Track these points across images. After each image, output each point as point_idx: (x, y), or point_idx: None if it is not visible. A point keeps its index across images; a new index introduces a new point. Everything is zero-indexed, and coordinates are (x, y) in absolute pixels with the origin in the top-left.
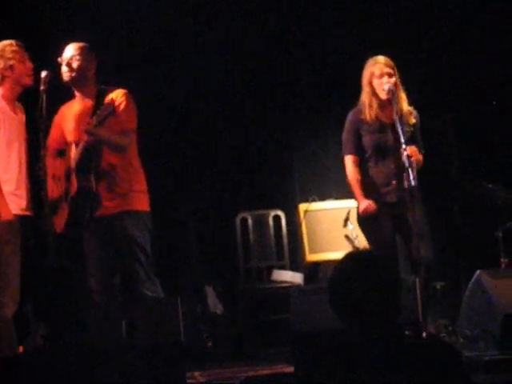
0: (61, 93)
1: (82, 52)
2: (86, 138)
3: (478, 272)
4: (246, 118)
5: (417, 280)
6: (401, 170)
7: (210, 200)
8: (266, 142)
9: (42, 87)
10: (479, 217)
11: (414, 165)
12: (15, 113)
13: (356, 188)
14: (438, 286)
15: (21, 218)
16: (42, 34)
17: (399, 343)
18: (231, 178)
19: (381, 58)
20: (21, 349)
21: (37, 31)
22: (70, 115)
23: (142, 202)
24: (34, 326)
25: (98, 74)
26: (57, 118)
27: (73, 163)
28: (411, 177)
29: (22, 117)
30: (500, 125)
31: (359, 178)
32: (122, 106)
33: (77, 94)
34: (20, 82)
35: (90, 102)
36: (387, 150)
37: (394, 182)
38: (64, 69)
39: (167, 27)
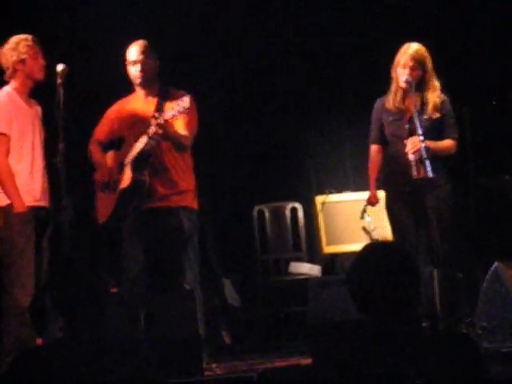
0: (77, 87)
1: (148, 51)
2: (152, 130)
3: (495, 264)
4: (262, 110)
5: (435, 272)
6: (413, 165)
7: (227, 192)
8: (282, 133)
9: (58, 81)
10: (496, 209)
11: (417, 156)
12: (29, 105)
13: (371, 177)
14: (456, 278)
15: (35, 209)
16: (55, 30)
17: (417, 335)
18: (248, 170)
19: (412, 49)
20: (39, 341)
21: (49, 28)
22: (130, 111)
23: (194, 201)
24: (52, 319)
25: None
26: (111, 111)
27: (130, 156)
28: (428, 168)
29: (37, 109)
30: None
31: (377, 167)
32: (189, 110)
33: (140, 91)
34: (31, 77)
35: (153, 101)
36: (402, 139)
37: (412, 173)
38: (134, 70)
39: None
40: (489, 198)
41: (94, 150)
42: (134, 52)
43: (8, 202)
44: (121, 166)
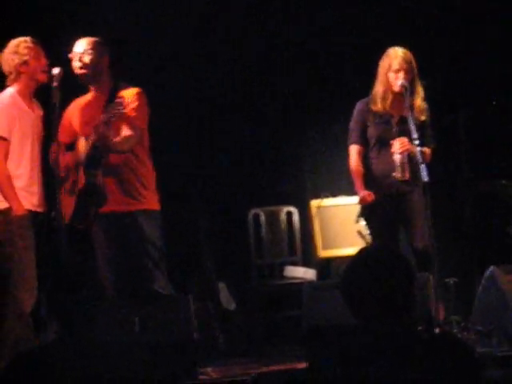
0: (73, 89)
1: (94, 46)
2: (94, 134)
3: (490, 268)
4: (256, 114)
5: (430, 276)
6: (398, 166)
7: (222, 196)
8: (276, 137)
9: (54, 84)
10: (491, 213)
11: (404, 158)
12: (31, 109)
13: (356, 178)
14: (451, 282)
15: (32, 214)
16: (55, 30)
17: (412, 339)
18: (243, 174)
19: (400, 52)
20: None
21: (49, 28)
22: (81, 108)
23: (153, 201)
24: (48, 322)
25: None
26: (67, 112)
27: (81, 157)
28: (425, 173)
29: (39, 112)
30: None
31: (361, 168)
32: (133, 105)
33: (91, 88)
34: (34, 78)
35: (102, 97)
36: (389, 143)
37: (393, 174)
38: (76, 64)
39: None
40: (484, 202)
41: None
42: (76, 46)
43: (7, 205)
44: (77, 169)
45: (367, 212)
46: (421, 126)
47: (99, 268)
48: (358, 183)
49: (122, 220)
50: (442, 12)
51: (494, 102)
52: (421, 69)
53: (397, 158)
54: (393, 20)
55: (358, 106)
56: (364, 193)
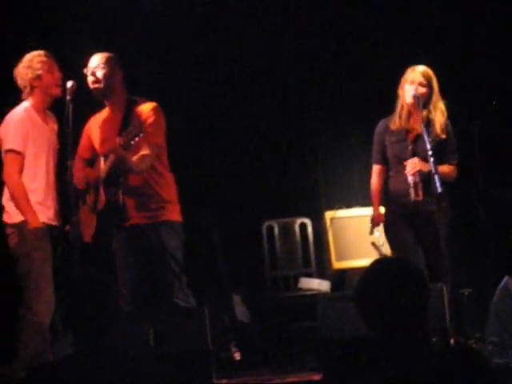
0: (88, 103)
1: (107, 61)
2: (111, 160)
3: (505, 278)
4: (271, 125)
5: (444, 287)
6: (422, 179)
7: (236, 208)
8: (291, 148)
9: (68, 97)
10: (506, 223)
11: (417, 179)
12: (46, 123)
13: (373, 197)
14: (466, 293)
15: (48, 228)
16: (68, 44)
17: (427, 350)
18: (257, 186)
19: (419, 67)
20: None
21: (62, 42)
22: (98, 125)
23: (175, 213)
24: (62, 334)
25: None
26: (87, 127)
27: (102, 176)
28: (437, 184)
29: (54, 126)
30: None
31: (379, 188)
32: (150, 121)
33: (106, 103)
34: (49, 92)
35: (119, 114)
36: (405, 161)
37: (411, 191)
38: (89, 79)
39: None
40: (498, 210)
41: (76, 173)
42: (90, 62)
43: (22, 218)
44: (96, 188)
45: (387, 230)
46: (441, 143)
47: (119, 280)
48: (373, 202)
49: (142, 232)
50: (454, 19)
51: (494, 102)
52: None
53: (410, 179)
54: (421, 24)
55: (379, 125)
56: (375, 213)
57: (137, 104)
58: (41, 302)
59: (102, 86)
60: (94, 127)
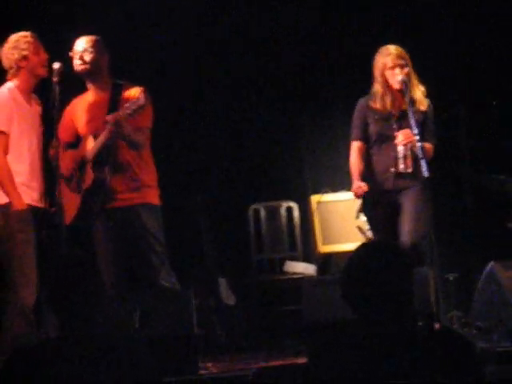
0: (73, 85)
1: (94, 45)
2: (109, 129)
3: (490, 263)
4: (257, 109)
5: (429, 271)
6: (401, 158)
7: (222, 192)
8: (277, 133)
9: (54, 79)
10: (491, 208)
11: (408, 150)
12: (30, 104)
13: (354, 171)
14: (451, 278)
15: (33, 209)
16: (54, 25)
17: (412, 334)
18: (243, 170)
19: (393, 48)
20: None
21: (48, 23)
22: (84, 107)
23: (155, 197)
24: (47, 317)
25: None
26: (68, 111)
27: (90, 155)
28: (424, 168)
29: (38, 108)
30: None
31: (359, 164)
32: (139, 104)
33: (90, 86)
34: (35, 73)
35: (105, 96)
36: (389, 139)
37: (392, 169)
38: (77, 62)
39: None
40: (485, 197)
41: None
42: (76, 45)
43: (7, 200)
44: (82, 165)
45: (367, 208)
46: (422, 122)
47: (99, 263)
48: (354, 175)
49: (123, 214)
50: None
51: (494, 102)
52: (421, 65)
53: (400, 149)
54: (406, 8)
55: (359, 103)
56: (356, 184)
57: (123, 87)
58: (24, 284)
59: (89, 67)
60: (78, 109)
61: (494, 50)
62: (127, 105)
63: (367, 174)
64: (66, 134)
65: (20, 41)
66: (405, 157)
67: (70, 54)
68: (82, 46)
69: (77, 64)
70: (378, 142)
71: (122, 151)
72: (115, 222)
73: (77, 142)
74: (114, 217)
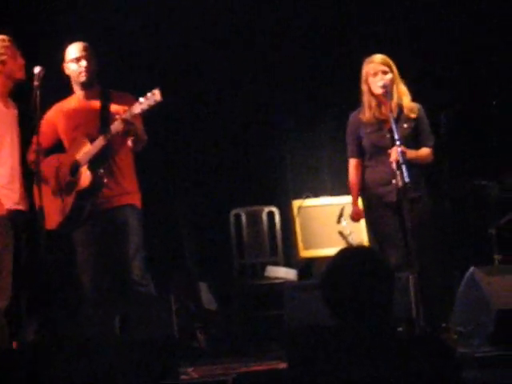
0: (54, 89)
1: (90, 52)
2: (118, 127)
3: (471, 268)
4: (238, 113)
5: (410, 277)
6: (396, 174)
7: (204, 196)
8: (259, 137)
9: (35, 83)
10: (472, 213)
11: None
12: (7, 107)
13: (352, 192)
14: (431, 283)
15: (13, 212)
16: (33, 30)
17: (392, 339)
18: (224, 174)
19: (376, 57)
20: (14, 344)
21: (28, 27)
22: (69, 113)
23: (137, 199)
24: (26, 321)
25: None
26: (49, 117)
27: (87, 156)
28: (405, 174)
29: (14, 112)
30: (494, 121)
31: (358, 181)
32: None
33: (79, 92)
34: (11, 77)
35: (96, 103)
36: (385, 150)
37: (393, 181)
38: (77, 69)
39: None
40: (465, 202)
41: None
42: (76, 49)
43: None
44: (74, 168)
45: (369, 221)
46: (415, 127)
47: (80, 266)
48: (353, 197)
49: (110, 214)
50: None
51: (494, 103)
52: (404, 69)
53: (394, 166)
54: (391, 16)
55: (350, 118)
56: (354, 209)
57: (113, 94)
58: None
59: (89, 75)
60: (61, 116)
61: (481, 53)
62: (142, 100)
63: (367, 187)
64: (47, 139)
65: None
66: (400, 173)
67: (66, 63)
68: (80, 53)
69: (77, 71)
70: (374, 154)
71: (116, 155)
72: (101, 224)
73: (55, 147)
74: (102, 219)
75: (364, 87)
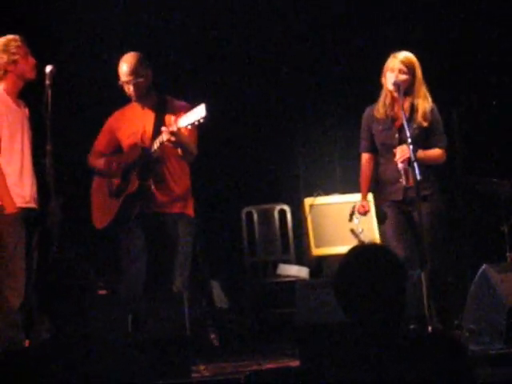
0: (65, 88)
1: (138, 68)
2: (165, 137)
3: (483, 266)
4: (250, 111)
5: (422, 274)
6: (402, 174)
7: (216, 194)
8: (271, 135)
9: (47, 82)
10: (485, 211)
11: (406, 165)
12: (18, 107)
13: (362, 186)
14: (444, 281)
15: (24, 211)
16: (46, 29)
17: (404, 337)
18: (236, 172)
19: (400, 54)
20: (27, 343)
21: (40, 27)
22: (129, 121)
23: (191, 208)
24: (39, 320)
25: None
26: (111, 123)
27: (136, 163)
28: (417, 171)
29: (25, 111)
30: (506, 119)
31: (369, 176)
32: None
33: (136, 102)
34: (23, 77)
35: (151, 112)
36: (392, 148)
37: (400, 180)
38: (127, 91)
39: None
40: (478, 200)
41: (97, 161)
42: (123, 72)
43: None
44: (125, 174)
45: (380, 218)
46: (427, 128)
47: (124, 262)
48: (362, 190)
49: (160, 219)
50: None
51: (494, 103)
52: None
53: (400, 166)
54: (402, 15)
55: (365, 112)
56: (362, 202)
57: (168, 102)
58: (10, 287)
59: (139, 94)
60: (122, 122)
61: (491, 51)
62: (189, 114)
63: (378, 185)
64: (105, 147)
65: (10, 45)
66: (405, 172)
67: (122, 81)
68: (128, 73)
69: (129, 91)
70: (383, 151)
71: (167, 162)
72: (149, 227)
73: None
74: (151, 221)
75: (383, 80)
